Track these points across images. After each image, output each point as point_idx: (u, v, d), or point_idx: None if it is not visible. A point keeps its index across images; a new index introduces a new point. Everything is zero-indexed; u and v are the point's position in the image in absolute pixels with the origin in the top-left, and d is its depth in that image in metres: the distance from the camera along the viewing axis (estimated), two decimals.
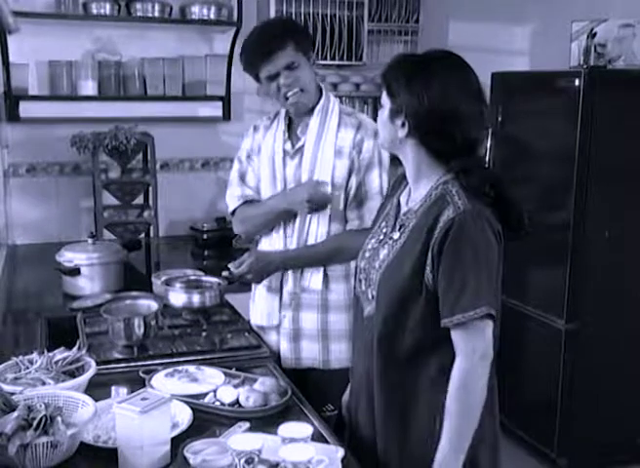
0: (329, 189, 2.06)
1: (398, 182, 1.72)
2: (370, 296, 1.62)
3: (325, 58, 3.73)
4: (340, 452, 1.45)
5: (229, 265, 2.13)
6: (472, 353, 1.49)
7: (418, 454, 1.54)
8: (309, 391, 1.90)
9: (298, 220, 2.12)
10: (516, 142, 3.56)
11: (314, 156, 2.09)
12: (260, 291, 2.21)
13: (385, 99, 1.59)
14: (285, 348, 2.15)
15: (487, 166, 1.58)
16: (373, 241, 1.68)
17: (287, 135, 2.16)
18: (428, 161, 1.56)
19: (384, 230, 1.65)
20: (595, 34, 3.31)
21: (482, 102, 1.59)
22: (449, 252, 1.47)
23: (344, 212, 2.10)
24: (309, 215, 2.10)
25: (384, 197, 1.96)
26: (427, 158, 1.55)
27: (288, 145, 2.14)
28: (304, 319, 2.12)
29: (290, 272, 2.12)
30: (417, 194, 1.60)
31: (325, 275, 2.10)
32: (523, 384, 3.55)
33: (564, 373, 3.24)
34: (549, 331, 3.29)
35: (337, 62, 3.71)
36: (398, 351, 1.56)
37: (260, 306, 2.20)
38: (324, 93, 2.14)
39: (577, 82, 3.07)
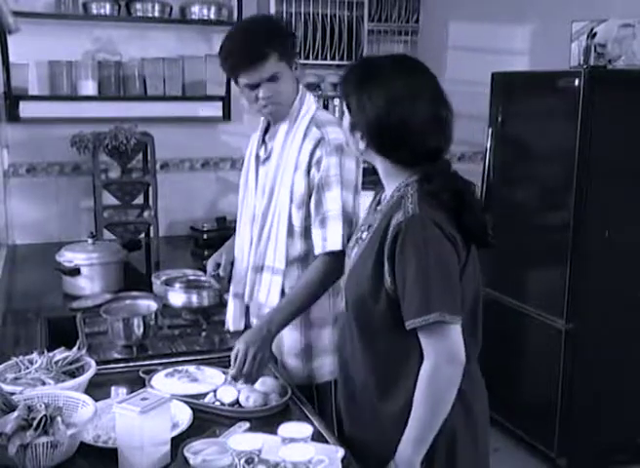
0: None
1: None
2: (343, 295, 1.65)
3: (325, 58, 3.72)
4: (340, 452, 1.45)
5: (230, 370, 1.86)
6: (435, 356, 1.46)
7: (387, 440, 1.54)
8: None
9: (254, 242, 2.04)
10: (516, 142, 3.56)
11: (277, 168, 2.00)
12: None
13: (346, 112, 1.58)
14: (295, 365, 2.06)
15: (451, 172, 1.55)
16: (352, 239, 1.69)
17: (262, 139, 2.09)
18: (394, 167, 1.56)
19: (362, 228, 1.65)
20: (595, 34, 3.31)
21: (439, 107, 1.52)
22: (398, 257, 1.46)
23: (310, 230, 1.98)
24: (265, 234, 2.00)
25: (347, 219, 1.90)
26: (392, 165, 1.56)
27: (262, 151, 2.08)
28: (286, 336, 2.02)
29: (249, 273, 2.05)
30: (386, 195, 1.61)
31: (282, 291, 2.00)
32: (523, 384, 3.55)
33: (564, 373, 3.24)
34: (549, 331, 3.29)
35: (336, 62, 3.71)
36: (371, 348, 1.57)
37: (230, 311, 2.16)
38: (298, 96, 2.01)
39: (577, 82, 3.07)
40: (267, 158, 2.05)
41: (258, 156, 2.09)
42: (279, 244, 1.98)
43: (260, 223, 2.03)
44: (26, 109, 3.28)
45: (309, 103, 2.02)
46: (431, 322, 1.43)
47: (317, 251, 1.93)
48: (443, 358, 1.46)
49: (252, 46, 1.89)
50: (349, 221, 1.93)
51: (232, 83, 3.57)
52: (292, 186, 1.96)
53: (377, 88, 1.50)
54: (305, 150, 1.95)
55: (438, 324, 1.43)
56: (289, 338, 2.03)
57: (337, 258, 1.85)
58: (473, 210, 1.53)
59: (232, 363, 1.80)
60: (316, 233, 1.94)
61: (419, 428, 1.48)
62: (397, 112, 1.47)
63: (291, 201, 1.96)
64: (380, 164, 1.58)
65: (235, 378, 1.79)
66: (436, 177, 1.51)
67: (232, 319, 2.13)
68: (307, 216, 1.97)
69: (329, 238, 1.90)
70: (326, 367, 2.03)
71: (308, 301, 1.93)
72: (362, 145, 1.55)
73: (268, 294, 2.00)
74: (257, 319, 2.05)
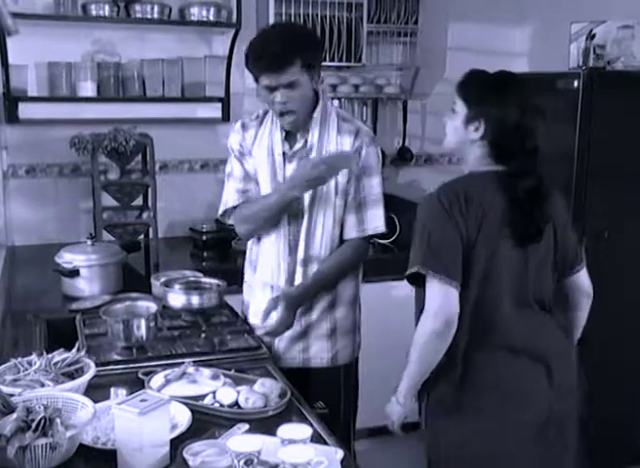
0: (323, 168, 2.00)
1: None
2: None
3: (324, 60, 3.72)
4: (340, 454, 1.45)
5: (262, 323, 2.12)
6: (425, 307, 1.75)
7: None
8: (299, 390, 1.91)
9: (304, 232, 2.13)
10: None
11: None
12: (257, 289, 2.24)
13: (462, 107, 1.86)
14: (290, 347, 2.18)
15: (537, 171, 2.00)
16: None
17: (284, 136, 2.15)
18: (487, 161, 1.86)
19: None
20: (594, 35, 3.31)
21: (542, 119, 1.99)
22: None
23: (343, 216, 2.13)
24: (313, 227, 2.11)
25: (382, 205, 2.13)
26: (486, 158, 1.86)
27: (286, 147, 2.15)
28: (315, 319, 2.17)
29: (298, 268, 2.15)
30: None
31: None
32: None
33: None
34: None
35: (336, 64, 3.71)
36: None
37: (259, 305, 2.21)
38: (321, 97, 2.13)
39: (576, 83, 3.08)
40: (295, 153, 2.13)
41: (284, 153, 2.15)
42: (325, 234, 2.12)
43: (307, 217, 2.12)
44: (26, 110, 3.28)
45: (330, 101, 2.20)
46: (413, 272, 1.77)
47: (352, 234, 2.12)
48: (428, 309, 1.74)
49: (280, 50, 1.96)
50: (382, 204, 2.15)
51: (231, 84, 3.59)
52: (336, 178, 2.08)
53: (512, 91, 1.90)
54: (345, 142, 2.10)
55: (424, 277, 1.75)
56: (318, 321, 2.16)
57: (367, 243, 2.15)
58: (529, 208, 1.84)
59: (264, 320, 2.07)
60: (351, 218, 2.11)
61: (407, 370, 1.83)
62: (527, 116, 1.92)
63: (335, 192, 2.10)
64: (477, 155, 1.87)
65: (269, 336, 2.11)
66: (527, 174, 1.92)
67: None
68: (344, 205, 2.13)
69: (369, 222, 2.12)
70: (349, 347, 2.21)
71: (337, 281, 2.15)
72: (476, 136, 1.84)
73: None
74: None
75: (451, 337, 1.73)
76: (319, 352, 2.18)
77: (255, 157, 2.19)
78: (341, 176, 2.08)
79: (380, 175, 2.16)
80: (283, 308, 2.05)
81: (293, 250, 2.15)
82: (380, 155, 2.19)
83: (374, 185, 2.12)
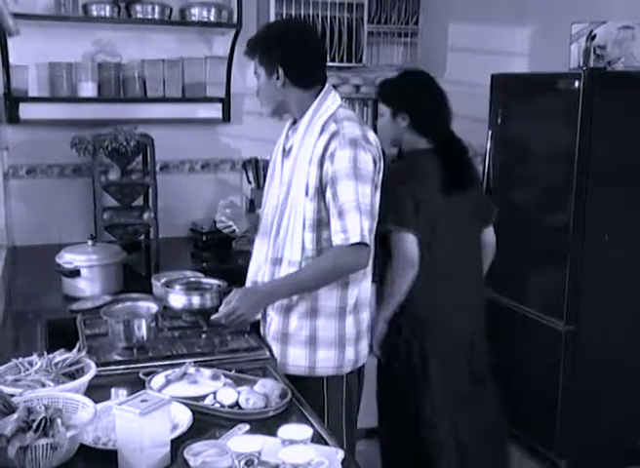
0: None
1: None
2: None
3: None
4: (340, 454, 1.45)
5: (220, 308, 2.07)
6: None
7: None
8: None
9: (273, 234, 2.11)
10: (516, 144, 3.56)
11: (295, 161, 2.08)
12: None
13: (385, 109, 2.57)
14: (273, 348, 2.14)
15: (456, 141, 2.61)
16: None
17: (288, 132, 2.18)
18: (417, 140, 2.57)
19: None
20: (595, 36, 3.31)
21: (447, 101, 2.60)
22: None
23: (318, 220, 2.04)
24: (284, 227, 2.08)
25: (365, 211, 1.96)
26: (416, 139, 2.57)
27: (287, 144, 2.16)
28: (292, 324, 2.10)
29: (268, 265, 2.12)
30: None
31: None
32: (523, 386, 3.55)
33: (564, 375, 3.24)
34: (549, 333, 3.29)
35: (336, 64, 3.71)
36: None
37: None
38: (321, 94, 2.09)
39: (576, 84, 3.08)
40: (290, 151, 2.12)
41: (284, 148, 2.16)
42: (295, 236, 2.05)
43: (278, 216, 2.10)
44: (26, 111, 3.28)
45: (333, 100, 2.10)
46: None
47: (336, 242, 1.99)
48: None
49: (248, 43, 2.15)
50: (367, 213, 1.98)
51: (232, 85, 3.60)
52: (307, 179, 2.03)
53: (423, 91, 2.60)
54: (320, 143, 2.02)
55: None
56: (295, 326, 2.09)
57: (356, 251, 1.97)
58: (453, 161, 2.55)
59: (222, 307, 2.04)
60: (335, 224, 1.99)
61: (393, 300, 2.49)
62: (433, 100, 2.58)
63: (306, 194, 2.03)
64: (409, 140, 2.57)
65: (212, 322, 2.09)
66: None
67: None
68: (319, 210, 2.03)
69: (350, 230, 1.95)
70: (331, 360, 2.09)
71: (315, 287, 2.05)
72: (404, 124, 2.54)
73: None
74: (270, 308, 2.14)
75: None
76: (296, 359, 2.10)
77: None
78: (311, 178, 2.01)
79: (364, 182, 1.98)
80: (236, 299, 2.01)
81: (268, 247, 2.14)
82: (367, 160, 2.00)
83: (349, 191, 1.95)
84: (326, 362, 2.09)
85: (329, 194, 1.99)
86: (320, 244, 2.05)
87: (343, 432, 2.14)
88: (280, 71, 2.06)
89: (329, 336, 2.09)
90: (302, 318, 2.09)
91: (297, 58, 2.09)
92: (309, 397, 1.93)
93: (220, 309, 2.05)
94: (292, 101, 2.11)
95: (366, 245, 1.97)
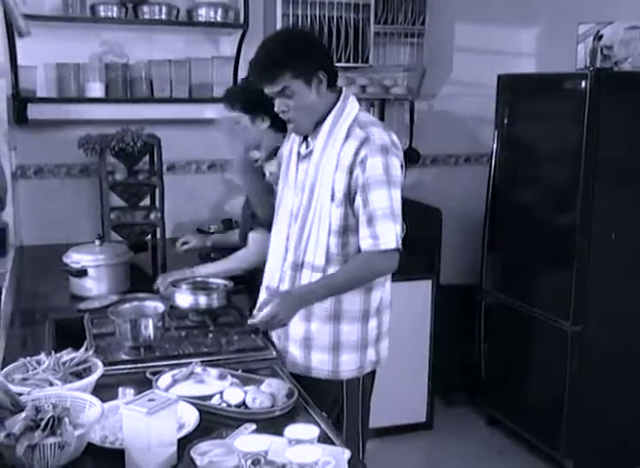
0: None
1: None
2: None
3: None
4: (347, 454, 1.45)
5: (254, 313, 2.04)
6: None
7: None
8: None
9: (293, 239, 2.09)
10: (522, 144, 3.56)
11: (317, 166, 2.04)
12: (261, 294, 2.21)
13: (241, 116, 2.48)
14: (294, 355, 2.13)
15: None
16: None
17: (303, 137, 2.13)
18: (276, 136, 2.43)
19: None
20: (602, 36, 3.31)
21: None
22: None
23: (356, 229, 2.03)
24: (307, 232, 2.06)
25: (398, 217, 2.01)
26: (275, 135, 2.43)
27: (303, 148, 2.12)
28: (315, 330, 2.09)
29: (288, 271, 2.10)
30: None
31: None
32: (529, 386, 3.55)
33: (570, 375, 3.24)
34: (555, 333, 3.29)
35: (343, 65, 3.71)
36: None
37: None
38: (342, 96, 2.07)
39: (583, 84, 3.07)
40: (307, 155, 2.09)
41: (299, 153, 2.13)
42: (320, 241, 2.04)
43: (300, 221, 2.08)
44: (34, 111, 3.29)
45: (353, 105, 2.08)
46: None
47: (364, 247, 2.00)
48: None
49: (266, 60, 1.99)
50: (399, 218, 2.02)
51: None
52: (333, 185, 2.01)
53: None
54: (348, 150, 2.00)
55: None
56: (318, 330, 2.09)
57: (389, 257, 2.00)
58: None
59: (256, 311, 2.00)
60: (363, 231, 2.00)
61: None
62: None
63: (332, 199, 2.01)
64: (270, 134, 2.47)
65: (252, 326, 2.03)
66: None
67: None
68: (347, 216, 2.03)
69: (381, 236, 1.98)
70: (353, 363, 2.11)
71: (347, 290, 2.06)
72: (266, 125, 2.46)
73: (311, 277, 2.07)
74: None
75: None
76: (319, 363, 2.10)
77: (284, 146, 2.25)
78: (338, 184, 2.00)
79: (395, 188, 2.01)
80: (275, 304, 1.97)
81: (286, 252, 2.11)
82: (397, 166, 2.02)
83: (381, 199, 1.98)
84: (348, 365, 2.11)
85: (359, 200, 1.99)
86: (346, 249, 2.05)
87: (360, 432, 2.16)
88: (321, 75, 2.00)
89: (352, 340, 2.10)
90: (326, 322, 2.08)
91: (328, 57, 2.11)
92: (328, 398, 1.96)
93: (255, 313, 2.00)
94: (323, 105, 2.05)
95: (398, 249, 2.01)
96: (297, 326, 2.10)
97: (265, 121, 2.46)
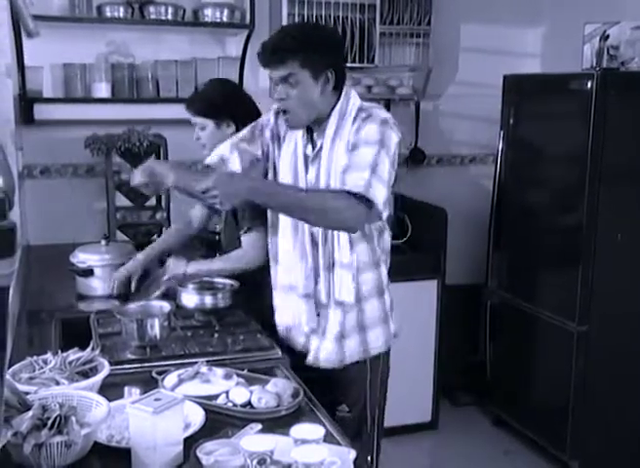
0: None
1: None
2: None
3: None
4: (353, 454, 1.46)
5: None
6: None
7: None
8: (324, 391, 1.91)
9: (319, 241, 2.05)
10: (528, 145, 3.56)
11: (329, 162, 2.01)
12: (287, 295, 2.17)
13: (205, 121, 2.51)
14: (329, 350, 2.12)
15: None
16: None
17: (307, 138, 2.10)
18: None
19: None
20: (608, 36, 3.30)
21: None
22: None
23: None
24: (330, 231, 2.02)
25: (377, 174, 1.90)
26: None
27: (309, 149, 2.09)
28: (347, 320, 2.10)
29: (322, 273, 2.07)
30: None
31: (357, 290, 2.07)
32: (535, 386, 3.55)
33: (576, 376, 3.23)
34: (561, 334, 3.29)
35: (348, 65, 3.67)
36: None
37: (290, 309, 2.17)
38: (342, 95, 2.06)
39: (589, 84, 3.07)
40: (317, 156, 2.06)
41: (305, 155, 2.10)
42: (342, 238, 2.02)
43: None
44: (41, 111, 3.30)
45: (354, 100, 2.07)
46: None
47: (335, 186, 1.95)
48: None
49: (279, 43, 1.97)
50: (380, 178, 1.91)
51: (244, 85, 3.59)
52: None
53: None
54: (354, 131, 1.98)
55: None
56: (349, 318, 2.09)
57: (351, 204, 1.87)
58: None
59: (199, 183, 1.85)
60: (335, 182, 1.96)
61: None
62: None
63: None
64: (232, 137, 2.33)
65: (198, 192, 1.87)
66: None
67: (307, 320, 2.12)
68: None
69: (352, 182, 1.88)
70: (380, 337, 2.15)
71: (299, 214, 1.96)
72: (230, 130, 2.46)
73: (342, 290, 2.05)
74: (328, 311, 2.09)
75: None
76: (350, 349, 2.11)
77: (282, 150, 2.15)
78: None
79: (387, 154, 1.93)
80: (214, 179, 1.84)
81: (315, 255, 2.07)
82: (394, 139, 1.96)
83: (367, 154, 1.91)
84: (376, 341, 2.14)
85: (348, 155, 1.94)
86: (372, 242, 2.07)
87: (376, 415, 2.19)
88: (331, 75, 1.99)
89: (375, 316, 2.13)
90: (351, 309, 2.09)
91: (342, 60, 2.10)
92: (356, 381, 2.05)
93: (190, 182, 1.92)
94: (325, 107, 2.03)
95: (368, 201, 1.88)
96: (333, 324, 2.09)
97: (231, 126, 2.46)
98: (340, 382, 2.07)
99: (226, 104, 2.30)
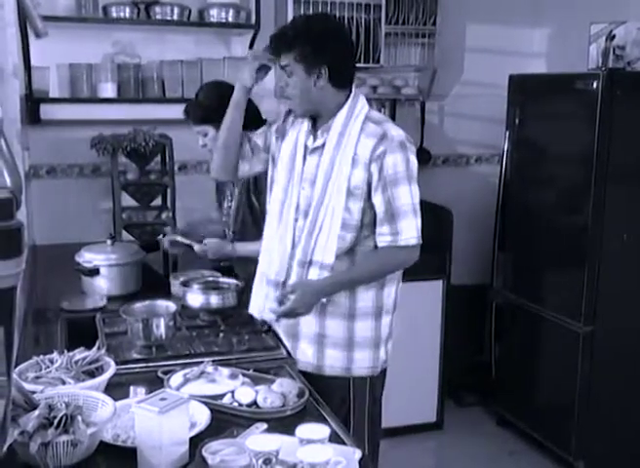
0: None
1: None
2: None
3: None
4: (358, 454, 1.46)
5: (274, 305, 2.07)
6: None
7: None
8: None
9: (303, 235, 2.06)
10: (534, 145, 3.55)
11: (332, 161, 2.02)
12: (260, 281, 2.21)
13: (205, 128, 2.69)
14: (306, 352, 2.12)
15: None
16: None
17: (310, 131, 2.11)
18: None
19: None
20: (614, 36, 3.29)
21: None
22: None
23: (374, 227, 2.03)
24: (317, 227, 2.03)
25: (417, 212, 2.02)
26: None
27: (310, 141, 2.10)
28: (329, 326, 2.09)
29: (295, 267, 2.08)
30: None
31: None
32: (540, 387, 3.54)
33: (581, 376, 3.23)
34: (567, 335, 3.28)
35: None
36: None
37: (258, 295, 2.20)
38: (352, 95, 2.08)
39: (595, 84, 3.06)
40: (317, 149, 2.07)
41: (305, 146, 2.11)
42: (331, 237, 2.02)
43: (311, 216, 2.05)
44: (47, 111, 3.31)
45: (362, 103, 2.09)
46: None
47: (385, 243, 2.02)
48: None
49: (280, 38, 2.04)
50: (419, 214, 2.04)
51: None
52: (349, 180, 2.00)
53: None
54: (365, 145, 2.00)
55: None
56: (333, 328, 2.08)
57: (408, 251, 2.03)
58: None
59: (278, 303, 2.02)
60: (384, 228, 2.01)
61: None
62: None
63: (347, 195, 2.00)
64: None
65: (274, 313, 2.05)
66: None
67: (263, 306, 2.16)
68: (363, 211, 2.02)
69: (403, 232, 2.00)
70: (366, 360, 2.11)
71: (365, 284, 2.07)
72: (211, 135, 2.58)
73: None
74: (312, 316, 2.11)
75: None
76: (332, 361, 2.10)
77: (284, 142, 2.18)
78: (355, 179, 1.99)
79: (415, 184, 2.03)
80: (295, 299, 1.98)
81: (294, 247, 2.09)
82: (415, 161, 2.04)
83: (404, 195, 1.99)
84: (361, 362, 2.11)
85: (380, 197, 2.00)
86: (357, 245, 2.05)
87: (365, 431, 2.15)
88: (323, 71, 2.00)
89: (367, 337, 2.10)
90: (341, 319, 2.08)
91: (343, 58, 2.07)
92: (336, 396, 1.96)
93: (275, 308, 2.05)
94: (326, 102, 2.05)
95: (419, 243, 2.04)
96: (309, 322, 2.09)
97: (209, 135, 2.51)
98: (325, 390, 2.00)
99: (223, 107, 2.29)
